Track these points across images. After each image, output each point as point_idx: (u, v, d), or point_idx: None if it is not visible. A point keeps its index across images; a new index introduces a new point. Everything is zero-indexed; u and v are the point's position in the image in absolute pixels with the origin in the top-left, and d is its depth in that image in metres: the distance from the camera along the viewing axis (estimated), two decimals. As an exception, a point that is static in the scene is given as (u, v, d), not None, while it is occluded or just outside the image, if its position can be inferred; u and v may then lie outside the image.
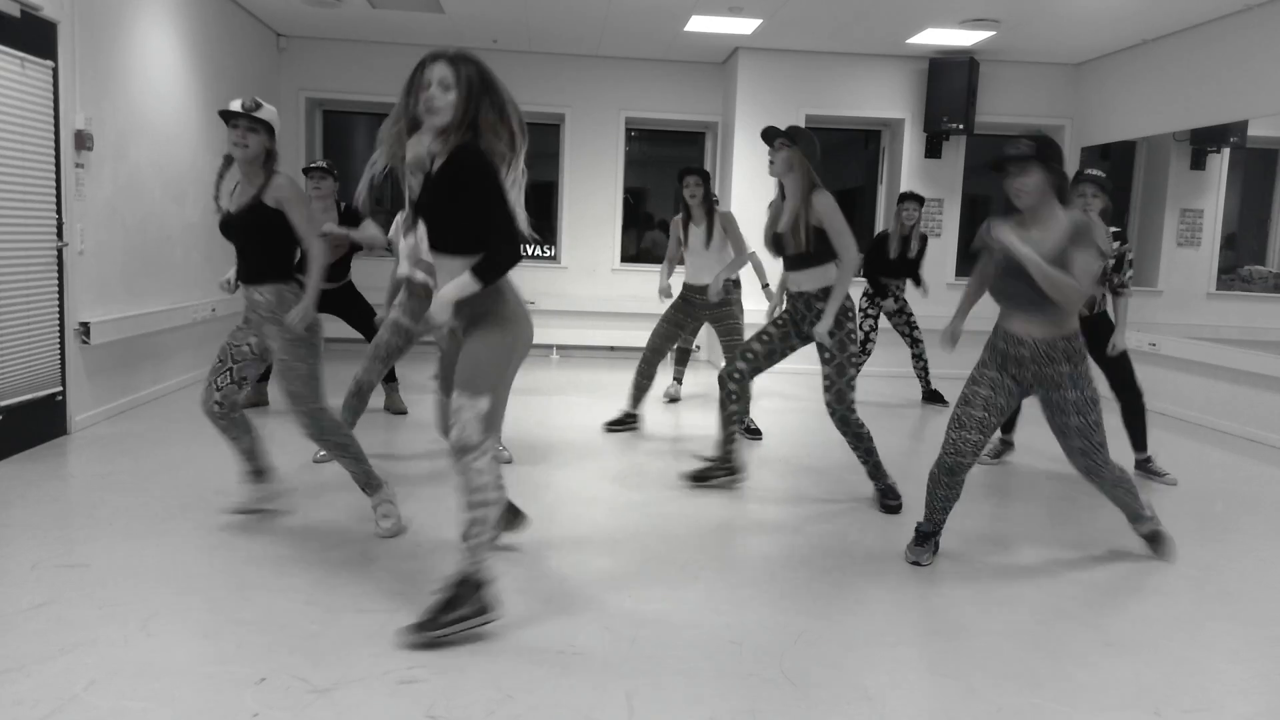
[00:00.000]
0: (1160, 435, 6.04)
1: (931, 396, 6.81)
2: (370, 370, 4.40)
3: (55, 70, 4.56)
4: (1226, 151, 6.59)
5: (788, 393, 7.06)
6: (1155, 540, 3.54)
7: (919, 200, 6.39)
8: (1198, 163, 6.81)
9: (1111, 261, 4.53)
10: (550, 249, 8.94)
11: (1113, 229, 4.54)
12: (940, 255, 8.27)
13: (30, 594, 2.74)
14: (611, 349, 8.63)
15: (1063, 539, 3.73)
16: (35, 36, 4.41)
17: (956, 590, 3.13)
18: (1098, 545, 3.65)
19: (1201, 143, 6.74)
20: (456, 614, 2.53)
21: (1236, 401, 6.11)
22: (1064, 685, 2.48)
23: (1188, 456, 5.43)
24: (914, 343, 6.63)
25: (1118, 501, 3.43)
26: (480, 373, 2.55)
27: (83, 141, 4.75)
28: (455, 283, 2.51)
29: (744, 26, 7.12)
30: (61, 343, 4.72)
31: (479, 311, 2.61)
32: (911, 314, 6.59)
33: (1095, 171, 4.49)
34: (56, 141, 4.60)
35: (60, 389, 4.73)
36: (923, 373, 6.75)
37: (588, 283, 8.64)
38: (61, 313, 4.71)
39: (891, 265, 6.43)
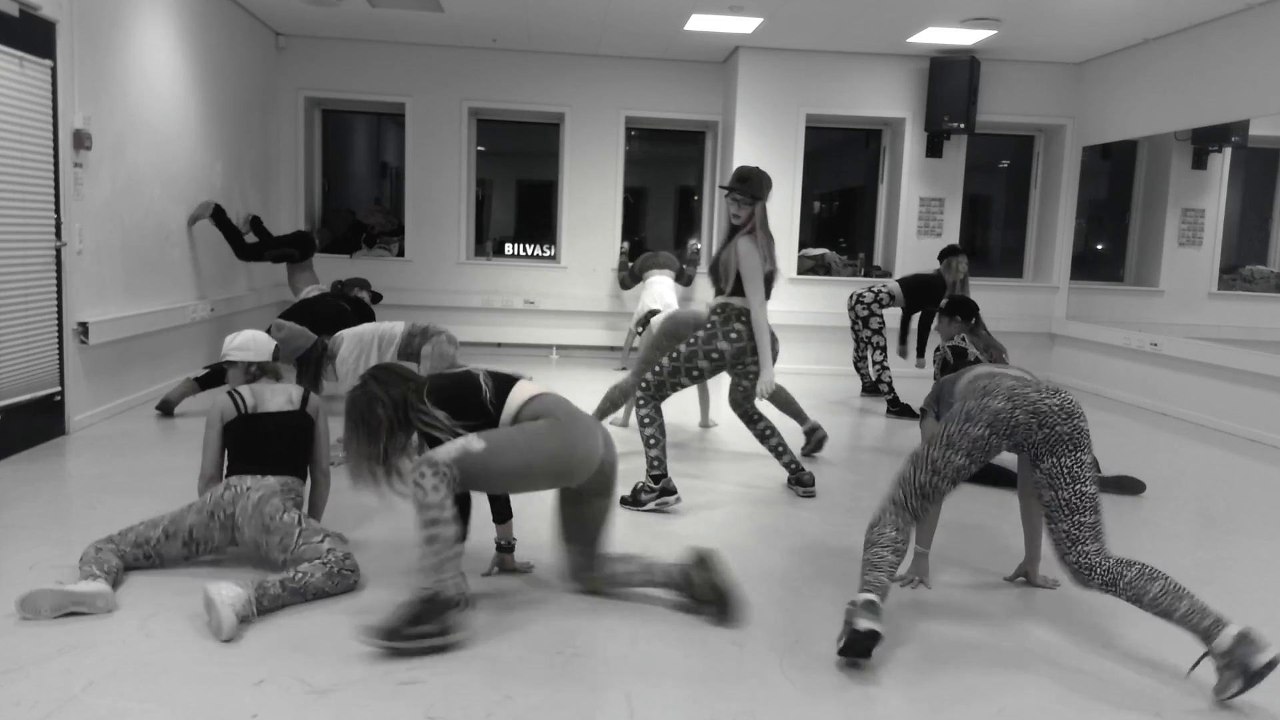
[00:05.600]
0: (1161, 435, 6.04)
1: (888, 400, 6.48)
2: None
3: (54, 70, 4.55)
4: (1228, 151, 6.58)
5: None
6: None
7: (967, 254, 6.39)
8: (1199, 162, 6.80)
9: None
10: (550, 249, 8.93)
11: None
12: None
13: (28, 594, 2.72)
14: (612, 349, 8.62)
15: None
16: (34, 36, 4.40)
17: (957, 591, 3.13)
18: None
19: (1203, 142, 6.73)
20: (418, 629, 2.47)
21: (1237, 401, 6.10)
22: (1066, 686, 2.47)
23: (1188, 456, 5.43)
24: (874, 348, 6.51)
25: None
26: (502, 433, 2.65)
27: (81, 141, 4.74)
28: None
29: (744, 25, 7.11)
30: (60, 343, 4.71)
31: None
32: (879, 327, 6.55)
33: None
34: (55, 141, 4.59)
35: (59, 389, 4.72)
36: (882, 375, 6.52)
37: (587, 282, 8.63)
38: (60, 312, 4.70)
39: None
